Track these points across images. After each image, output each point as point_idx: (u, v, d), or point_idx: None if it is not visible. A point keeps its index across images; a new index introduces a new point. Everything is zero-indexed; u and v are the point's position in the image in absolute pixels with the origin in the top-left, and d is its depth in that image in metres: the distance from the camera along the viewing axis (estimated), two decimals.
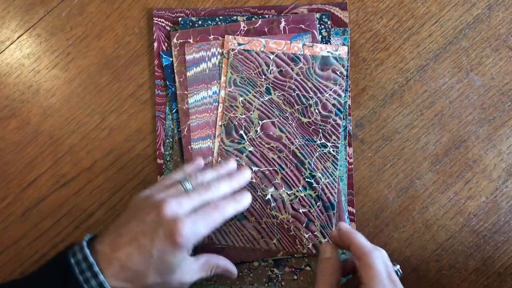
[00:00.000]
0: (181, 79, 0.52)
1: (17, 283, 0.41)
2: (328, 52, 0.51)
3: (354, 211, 0.51)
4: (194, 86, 0.51)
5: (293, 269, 0.50)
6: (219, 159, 0.51)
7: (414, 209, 0.51)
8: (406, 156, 0.52)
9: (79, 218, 0.52)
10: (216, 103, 0.51)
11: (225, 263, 0.47)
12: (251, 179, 0.50)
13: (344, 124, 0.52)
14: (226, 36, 0.52)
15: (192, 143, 0.51)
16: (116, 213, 0.52)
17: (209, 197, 0.44)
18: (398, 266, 0.43)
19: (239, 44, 0.51)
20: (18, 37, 0.54)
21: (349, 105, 0.52)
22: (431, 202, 0.51)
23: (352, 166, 0.51)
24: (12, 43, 0.54)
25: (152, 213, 0.41)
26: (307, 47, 0.51)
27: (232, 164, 0.49)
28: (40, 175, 0.53)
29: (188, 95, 0.51)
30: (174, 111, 0.52)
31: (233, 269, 0.48)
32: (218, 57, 0.52)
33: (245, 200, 0.46)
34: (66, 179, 0.53)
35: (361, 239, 0.41)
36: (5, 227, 0.52)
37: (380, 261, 0.40)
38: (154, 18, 0.53)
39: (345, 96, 0.52)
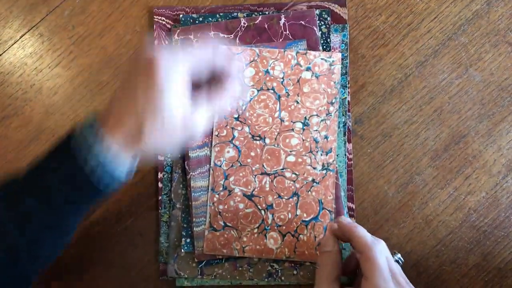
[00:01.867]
0: None
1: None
2: (322, 59, 0.51)
3: (354, 207, 0.51)
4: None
5: (292, 264, 0.50)
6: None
7: (414, 204, 0.51)
8: (406, 152, 0.52)
9: None
10: None
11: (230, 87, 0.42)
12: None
13: (343, 120, 0.52)
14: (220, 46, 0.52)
15: (189, 151, 0.51)
16: (115, 211, 0.53)
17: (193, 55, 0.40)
18: (399, 255, 0.43)
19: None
20: (21, 37, 0.55)
21: (348, 101, 0.52)
22: (431, 197, 0.51)
23: (352, 162, 0.52)
24: (15, 43, 0.55)
25: (138, 63, 0.38)
26: (301, 55, 0.51)
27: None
28: None
29: None
30: None
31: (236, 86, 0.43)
32: None
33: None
34: None
35: (361, 232, 0.41)
36: None
37: (381, 255, 0.40)
38: (155, 16, 0.54)
39: (344, 93, 0.52)
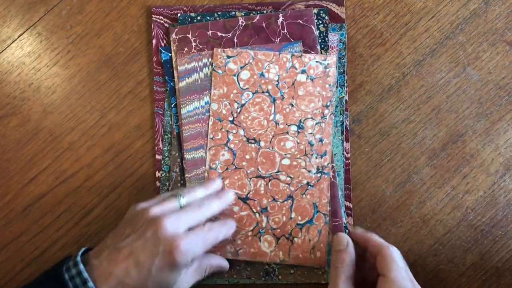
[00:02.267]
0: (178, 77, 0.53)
1: None
2: (317, 62, 0.51)
3: (351, 206, 0.51)
4: (187, 96, 0.52)
5: (290, 263, 0.50)
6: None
7: (412, 203, 0.51)
8: (403, 151, 0.52)
9: (79, 214, 0.53)
10: (209, 114, 0.51)
11: (217, 262, 0.48)
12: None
13: (341, 119, 0.52)
14: (214, 49, 0.52)
15: (185, 153, 0.51)
16: (115, 209, 0.53)
17: (203, 215, 0.44)
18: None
19: (228, 57, 0.51)
20: (19, 36, 0.55)
21: (346, 100, 0.52)
22: (429, 196, 0.51)
23: (349, 161, 0.52)
24: (13, 42, 0.55)
25: (151, 229, 0.41)
26: (296, 57, 0.51)
27: (218, 183, 0.50)
28: (40, 172, 0.53)
29: (181, 106, 0.52)
30: (172, 105, 0.53)
31: (225, 264, 0.49)
32: (210, 67, 0.52)
33: (232, 227, 0.48)
34: (66, 176, 0.53)
35: (377, 237, 0.44)
36: (6, 223, 0.53)
37: (398, 254, 0.42)
38: (153, 16, 0.54)
39: (342, 92, 0.52)
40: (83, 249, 0.43)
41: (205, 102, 0.52)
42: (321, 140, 0.50)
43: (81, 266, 0.40)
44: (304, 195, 0.50)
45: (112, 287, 0.40)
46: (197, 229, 0.43)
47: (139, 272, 0.40)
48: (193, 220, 0.43)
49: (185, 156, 0.51)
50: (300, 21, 0.52)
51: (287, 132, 0.51)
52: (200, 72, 0.52)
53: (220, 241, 0.45)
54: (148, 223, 0.41)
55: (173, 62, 0.53)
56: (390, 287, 0.39)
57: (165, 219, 0.41)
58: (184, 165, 0.52)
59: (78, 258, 0.41)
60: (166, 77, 0.53)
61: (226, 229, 0.46)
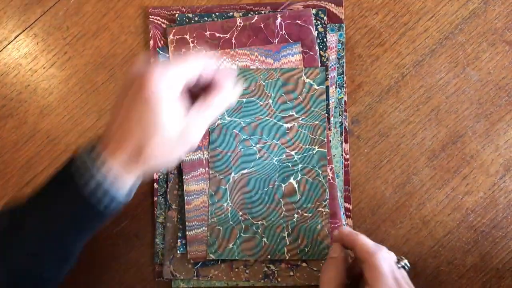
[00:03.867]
0: None
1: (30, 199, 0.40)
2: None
3: (351, 208, 0.51)
4: None
5: (289, 266, 0.50)
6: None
7: (411, 205, 0.51)
8: (403, 152, 0.52)
9: None
10: None
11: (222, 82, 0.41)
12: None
13: (340, 120, 0.51)
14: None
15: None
16: None
17: (188, 64, 0.39)
18: (406, 261, 0.42)
19: None
20: (16, 37, 0.54)
21: (345, 101, 0.52)
22: (428, 198, 0.51)
23: (348, 162, 0.51)
24: (9, 43, 0.54)
25: (127, 76, 0.38)
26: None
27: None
28: (37, 174, 0.53)
29: None
30: None
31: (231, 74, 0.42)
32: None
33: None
34: None
35: (363, 240, 0.42)
36: None
37: (384, 262, 0.40)
38: (150, 16, 0.53)
39: (341, 92, 0.52)
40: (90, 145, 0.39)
41: None
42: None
43: (88, 147, 0.38)
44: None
45: (113, 148, 0.37)
46: (175, 61, 0.39)
47: (128, 122, 0.37)
48: (177, 67, 0.38)
49: (183, 157, 0.51)
50: (299, 22, 0.52)
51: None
52: None
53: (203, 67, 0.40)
54: (127, 81, 0.39)
55: None
56: None
57: (148, 71, 0.37)
58: (181, 167, 0.51)
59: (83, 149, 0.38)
60: None
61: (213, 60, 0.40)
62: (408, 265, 0.43)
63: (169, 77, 0.38)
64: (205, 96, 0.40)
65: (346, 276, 0.43)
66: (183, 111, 0.38)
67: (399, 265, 0.41)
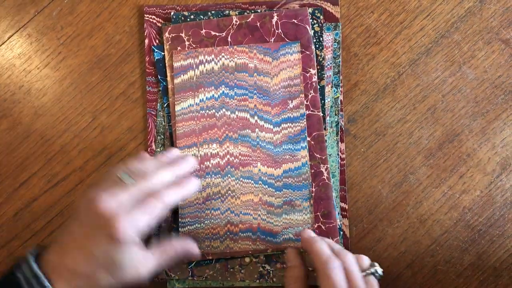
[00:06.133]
0: (173, 73, 0.52)
1: None
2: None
3: (347, 207, 0.51)
4: (181, 93, 0.51)
5: (284, 265, 0.50)
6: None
7: (408, 204, 0.51)
8: (399, 151, 0.51)
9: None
10: (203, 111, 0.51)
11: (181, 244, 0.44)
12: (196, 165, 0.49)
13: (336, 119, 0.51)
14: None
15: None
16: None
17: (148, 186, 0.41)
18: (377, 267, 0.41)
19: None
20: (9, 37, 0.54)
21: (341, 100, 0.52)
22: (425, 196, 0.51)
23: (345, 161, 0.51)
24: (2, 44, 0.54)
25: (89, 212, 0.39)
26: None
27: (174, 151, 0.47)
28: (32, 175, 0.53)
29: (175, 103, 0.51)
30: (165, 105, 0.52)
31: (193, 248, 0.45)
32: (206, 65, 0.51)
33: (191, 184, 0.43)
34: (58, 179, 0.52)
35: (319, 247, 0.40)
36: None
37: (337, 271, 0.38)
38: (145, 15, 0.53)
39: (337, 92, 0.52)
40: (34, 246, 0.42)
41: (200, 100, 0.51)
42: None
43: (32, 262, 0.39)
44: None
45: (66, 279, 0.39)
46: (141, 202, 0.40)
47: (86, 259, 0.39)
48: (134, 193, 0.40)
49: None
50: (295, 21, 0.52)
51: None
52: (196, 69, 0.51)
53: (173, 204, 0.42)
54: (85, 207, 0.40)
55: (166, 61, 0.52)
56: None
57: (100, 197, 0.39)
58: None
59: (29, 255, 0.40)
60: (159, 76, 0.52)
61: (177, 188, 0.42)
62: (380, 272, 0.41)
63: (137, 223, 0.39)
64: (164, 247, 0.43)
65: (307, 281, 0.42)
66: (142, 252, 0.41)
67: (368, 272, 0.40)
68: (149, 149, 0.52)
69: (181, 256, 0.44)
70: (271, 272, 0.50)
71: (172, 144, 0.51)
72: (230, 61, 0.51)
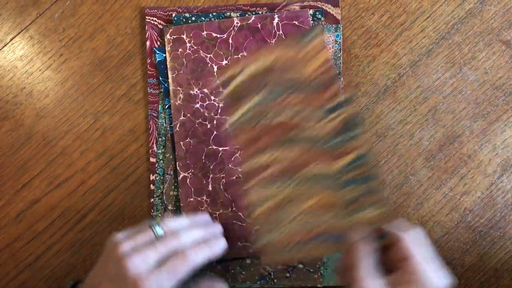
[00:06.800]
0: (174, 75, 0.52)
1: None
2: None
3: None
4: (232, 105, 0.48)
5: (285, 267, 0.50)
6: None
7: (409, 205, 0.51)
8: (400, 152, 0.51)
9: (73, 220, 0.52)
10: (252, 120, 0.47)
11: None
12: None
13: None
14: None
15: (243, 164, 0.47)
16: (109, 214, 0.52)
17: (177, 245, 0.42)
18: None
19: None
20: (11, 39, 0.54)
21: None
22: (426, 198, 0.51)
23: None
24: (5, 46, 0.54)
25: (117, 269, 0.40)
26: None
27: (206, 216, 0.48)
28: (34, 177, 0.53)
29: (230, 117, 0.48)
30: (166, 106, 0.52)
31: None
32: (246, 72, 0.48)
33: (218, 245, 0.44)
34: (59, 181, 0.53)
35: (391, 228, 0.40)
36: None
37: (418, 242, 0.39)
38: (147, 17, 0.53)
39: None
40: (69, 283, 0.43)
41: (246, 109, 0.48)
42: None
43: None
44: None
45: None
46: (168, 261, 0.41)
47: None
48: (163, 252, 0.41)
49: (180, 155, 0.51)
50: (296, 22, 0.52)
51: None
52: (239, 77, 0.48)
53: (199, 265, 0.42)
54: (115, 263, 0.41)
55: (167, 63, 0.52)
56: (410, 280, 0.38)
57: (128, 259, 0.40)
58: (177, 167, 0.51)
59: None
60: (161, 78, 0.52)
61: (206, 249, 0.43)
62: None
63: (162, 285, 0.40)
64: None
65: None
66: None
67: None
68: (150, 150, 0.52)
69: None
70: (272, 273, 0.50)
71: (173, 145, 0.52)
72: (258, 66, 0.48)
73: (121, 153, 0.53)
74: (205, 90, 0.52)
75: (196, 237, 0.44)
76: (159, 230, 0.42)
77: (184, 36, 0.52)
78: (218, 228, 0.47)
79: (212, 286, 0.46)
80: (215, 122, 0.52)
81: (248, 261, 0.50)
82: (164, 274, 0.40)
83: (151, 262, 0.41)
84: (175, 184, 0.51)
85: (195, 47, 0.52)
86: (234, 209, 0.50)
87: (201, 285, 0.45)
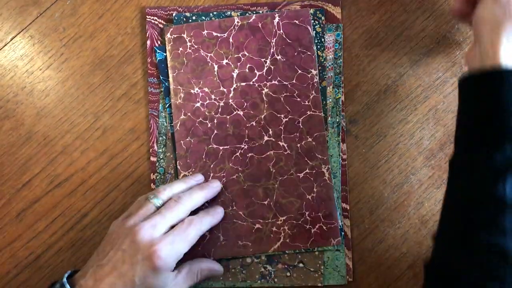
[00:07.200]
0: (175, 74, 0.52)
1: None
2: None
3: (348, 208, 0.51)
4: None
5: (286, 266, 0.50)
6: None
7: (410, 204, 0.51)
8: (401, 151, 0.51)
9: (74, 219, 0.52)
10: None
11: (208, 265, 0.48)
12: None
13: (337, 120, 0.51)
14: None
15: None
16: (110, 213, 0.52)
17: (181, 211, 0.44)
18: None
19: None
20: (12, 39, 0.54)
21: (342, 101, 0.52)
22: (427, 197, 0.51)
23: (346, 162, 0.51)
24: (5, 45, 0.54)
25: (128, 240, 0.42)
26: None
27: (199, 176, 0.50)
28: (34, 176, 0.53)
29: None
30: (167, 106, 0.52)
31: (217, 267, 0.48)
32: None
33: (219, 213, 0.48)
34: (60, 180, 0.53)
35: None
36: (0, 228, 0.52)
37: None
38: (147, 16, 0.53)
39: (338, 92, 0.52)
40: (68, 272, 0.44)
41: None
42: None
43: (68, 287, 0.41)
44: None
45: None
46: (176, 227, 0.43)
47: (124, 284, 0.41)
48: (170, 219, 0.43)
49: (181, 153, 0.51)
50: (296, 22, 0.52)
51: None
52: None
53: (206, 231, 0.45)
54: (125, 235, 0.42)
55: (168, 62, 0.52)
56: None
57: (138, 227, 0.42)
58: (178, 166, 0.51)
59: (65, 280, 0.42)
60: (161, 77, 0.52)
61: (210, 218, 0.47)
62: None
63: (176, 249, 0.42)
64: (192, 267, 0.46)
65: None
66: (176, 276, 0.44)
67: None
68: (151, 149, 0.52)
69: (206, 275, 0.47)
70: (272, 272, 0.50)
71: (174, 144, 0.52)
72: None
73: (122, 152, 0.53)
74: (206, 89, 0.52)
75: (198, 200, 0.46)
76: (157, 201, 0.44)
77: (185, 35, 0.52)
78: (215, 186, 0.49)
79: (211, 266, 0.48)
80: (215, 121, 0.52)
81: (248, 260, 0.50)
82: (176, 238, 0.42)
83: (162, 228, 0.42)
84: None
85: (196, 46, 0.52)
86: (234, 208, 0.50)
87: (201, 263, 0.47)
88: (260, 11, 0.53)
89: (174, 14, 0.53)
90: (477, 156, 0.38)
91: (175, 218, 0.44)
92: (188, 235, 0.43)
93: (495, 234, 0.35)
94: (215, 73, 0.52)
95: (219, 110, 0.52)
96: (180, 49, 0.52)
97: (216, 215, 0.48)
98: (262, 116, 0.51)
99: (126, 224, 0.43)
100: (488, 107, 0.37)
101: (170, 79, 0.52)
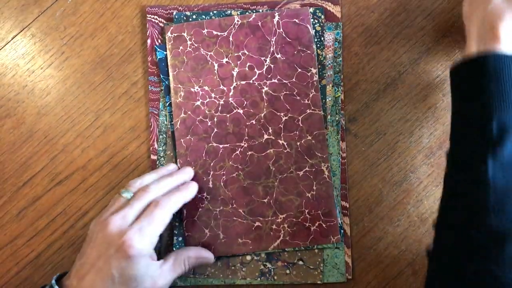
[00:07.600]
0: (175, 73, 0.52)
1: None
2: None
3: (348, 206, 0.51)
4: None
5: (285, 264, 0.50)
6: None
7: (409, 202, 0.51)
8: (400, 149, 0.52)
9: (74, 217, 0.52)
10: None
11: (195, 253, 0.47)
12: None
13: (337, 118, 0.52)
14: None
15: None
16: None
17: (150, 197, 0.44)
18: None
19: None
20: (13, 38, 0.55)
21: (341, 99, 0.52)
22: (426, 195, 0.51)
23: (345, 160, 0.51)
24: (6, 44, 0.54)
25: (100, 234, 0.42)
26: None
27: (172, 165, 0.50)
28: (35, 174, 0.53)
29: None
30: (167, 104, 0.52)
31: (206, 254, 0.48)
32: None
33: (190, 188, 0.47)
34: (61, 178, 0.53)
35: None
36: (1, 227, 0.52)
37: None
38: (148, 15, 0.54)
39: (337, 91, 0.52)
40: (58, 274, 0.44)
41: None
42: None
43: None
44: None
45: None
46: (143, 213, 0.43)
47: (103, 279, 0.41)
48: (139, 207, 0.43)
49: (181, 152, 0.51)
50: (296, 20, 0.52)
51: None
52: None
53: (176, 209, 0.45)
54: (98, 231, 0.43)
55: (168, 60, 0.53)
56: None
57: (107, 221, 0.42)
58: (178, 164, 0.51)
59: (53, 282, 0.42)
60: (161, 76, 0.53)
61: (180, 194, 0.46)
62: None
63: (146, 235, 0.42)
64: (178, 255, 0.46)
65: None
66: (157, 264, 0.44)
67: None
68: (151, 148, 0.52)
69: (196, 262, 0.47)
70: (272, 270, 0.50)
71: (174, 142, 0.52)
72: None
73: (122, 151, 0.53)
74: (206, 88, 0.52)
75: (166, 187, 0.46)
76: (127, 194, 0.45)
77: (185, 34, 0.52)
78: (187, 172, 0.49)
79: (198, 253, 0.48)
80: (215, 119, 0.52)
81: (248, 257, 0.50)
82: (144, 222, 0.42)
83: (130, 217, 0.43)
84: None
85: (196, 45, 0.52)
86: (234, 206, 0.51)
87: (189, 251, 0.47)
88: (260, 10, 0.53)
89: (174, 13, 0.53)
90: (464, 142, 0.40)
91: (144, 206, 0.44)
92: (154, 217, 0.43)
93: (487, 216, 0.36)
94: (215, 71, 0.52)
95: (219, 108, 0.52)
96: (181, 47, 0.52)
97: (186, 190, 0.47)
98: (262, 115, 0.52)
99: (98, 220, 0.44)
100: (472, 88, 0.39)
101: (171, 78, 0.52)
